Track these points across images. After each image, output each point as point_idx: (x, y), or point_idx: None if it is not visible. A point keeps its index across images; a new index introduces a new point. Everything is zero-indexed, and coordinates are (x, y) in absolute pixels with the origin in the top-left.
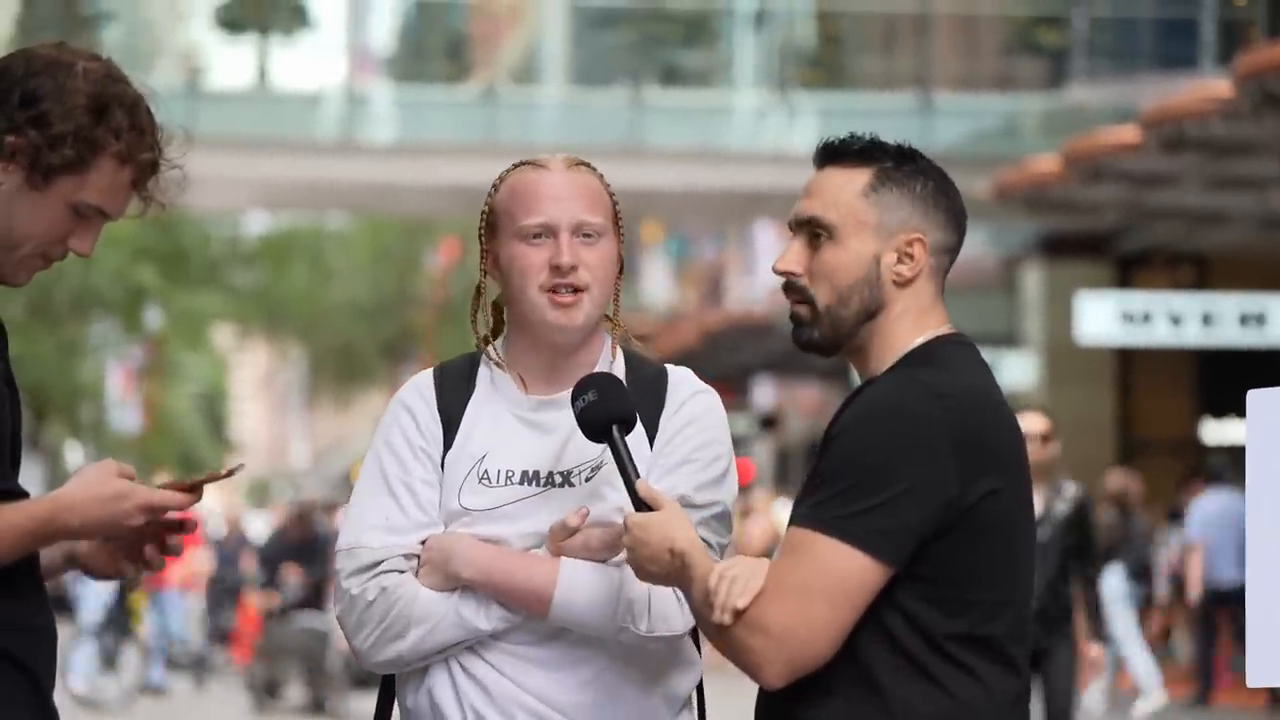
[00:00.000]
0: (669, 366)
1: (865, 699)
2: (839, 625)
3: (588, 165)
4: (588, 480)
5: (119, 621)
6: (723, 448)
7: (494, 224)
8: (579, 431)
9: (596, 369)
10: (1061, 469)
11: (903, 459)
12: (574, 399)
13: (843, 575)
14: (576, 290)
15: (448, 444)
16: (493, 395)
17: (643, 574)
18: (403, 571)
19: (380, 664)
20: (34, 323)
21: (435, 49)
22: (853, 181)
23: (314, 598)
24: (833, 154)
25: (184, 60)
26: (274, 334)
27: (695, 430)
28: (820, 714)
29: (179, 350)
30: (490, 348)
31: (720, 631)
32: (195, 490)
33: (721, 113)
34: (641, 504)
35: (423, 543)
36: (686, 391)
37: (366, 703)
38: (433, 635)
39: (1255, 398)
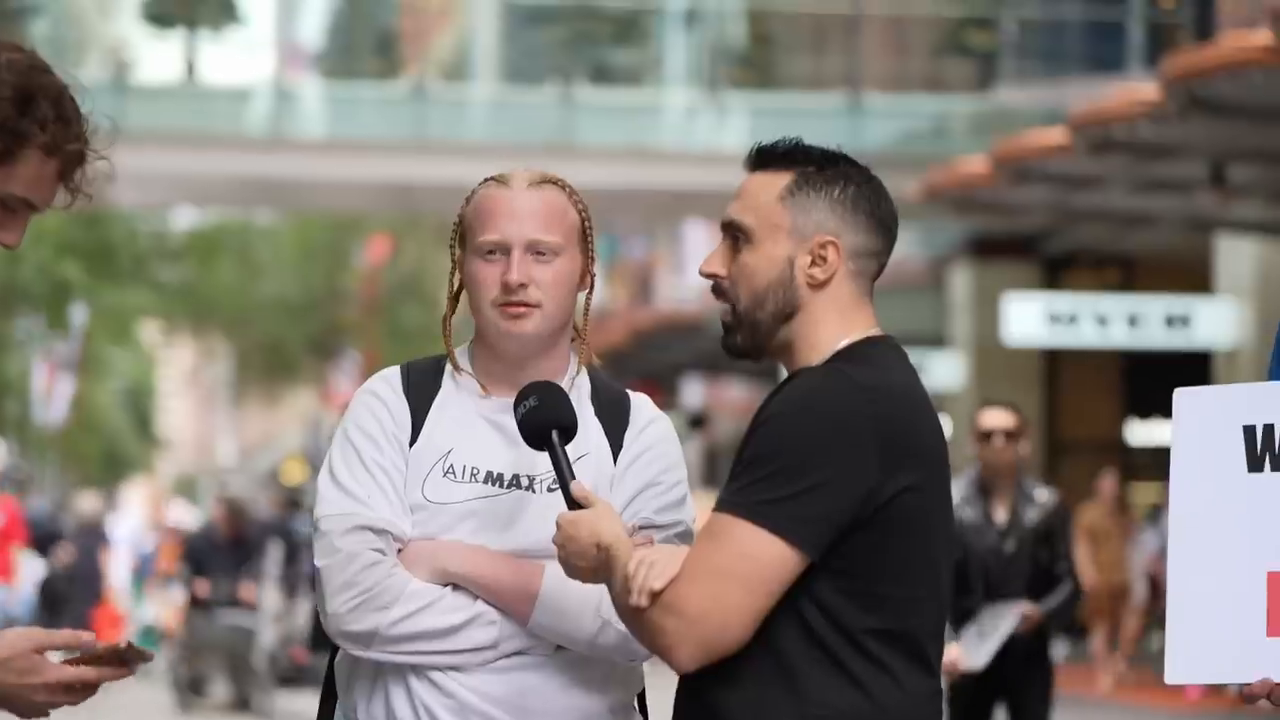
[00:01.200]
0: (628, 391)
1: (781, 689)
2: (753, 610)
3: (556, 182)
4: (550, 490)
5: (44, 614)
6: (681, 472)
7: (463, 237)
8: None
9: (562, 381)
10: (1031, 471)
11: (826, 449)
12: (516, 404)
13: (760, 561)
14: (527, 305)
15: (414, 437)
16: (459, 395)
17: (570, 570)
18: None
19: (350, 634)
20: None
21: (365, 45)
22: (773, 185)
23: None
24: (760, 158)
25: (111, 54)
26: (201, 330)
27: (656, 455)
28: (735, 701)
29: (105, 346)
30: (455, 352)
31: (635, 614)
32: (111, 662)
33: (652, 111)
34: (575, 506)
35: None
36: (647, 416)
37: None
38: (416, 618)
39: (1181, 396)
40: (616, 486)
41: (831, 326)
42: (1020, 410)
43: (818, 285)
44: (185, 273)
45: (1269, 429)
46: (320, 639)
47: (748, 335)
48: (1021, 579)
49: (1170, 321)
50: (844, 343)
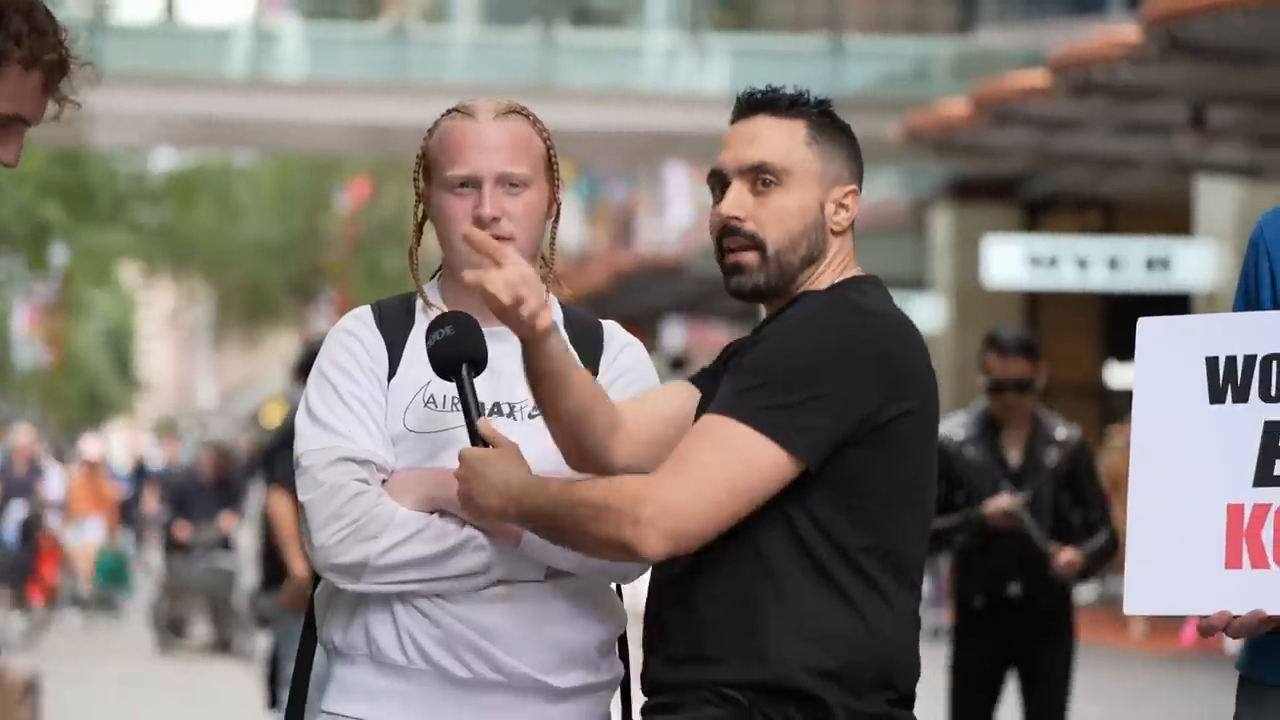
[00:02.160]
0: (599, 319)
1: (769, 596)
2: (732, 511)
3: (520, 111)
4: (530, 417)
5: (25, 561)
6: None
7: (427, 169)
8: (523, 367)
9: None
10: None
11: (829, 365)
12: (429, 333)
13: (752, 463)
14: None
15: (392, 370)
16: None
17: (473, 509)
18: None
19: (339, 566)
20: None
21: None
22: (792, 131)
23: (224, 540)
24: (760, 104)
25: None
26: (181, 272)
27: (634, 379)
28: (721, 604)
29: (85, 288)
30: (425, 287)
31: (608, 501)
32: None
33: (633, 53)
34: (479, 443)
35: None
36: (621, 341)
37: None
38: (405, 546)
39: (1145, 326)
40: None
41: (833, 272)
42: (1035, 345)
43: (840, 232)
44: (165, 214)
45: (1231, 360)
46: (272, 579)
47: (775, 277)
48: (1044, 528)
49: (1150, 264)
50: (835, 281)
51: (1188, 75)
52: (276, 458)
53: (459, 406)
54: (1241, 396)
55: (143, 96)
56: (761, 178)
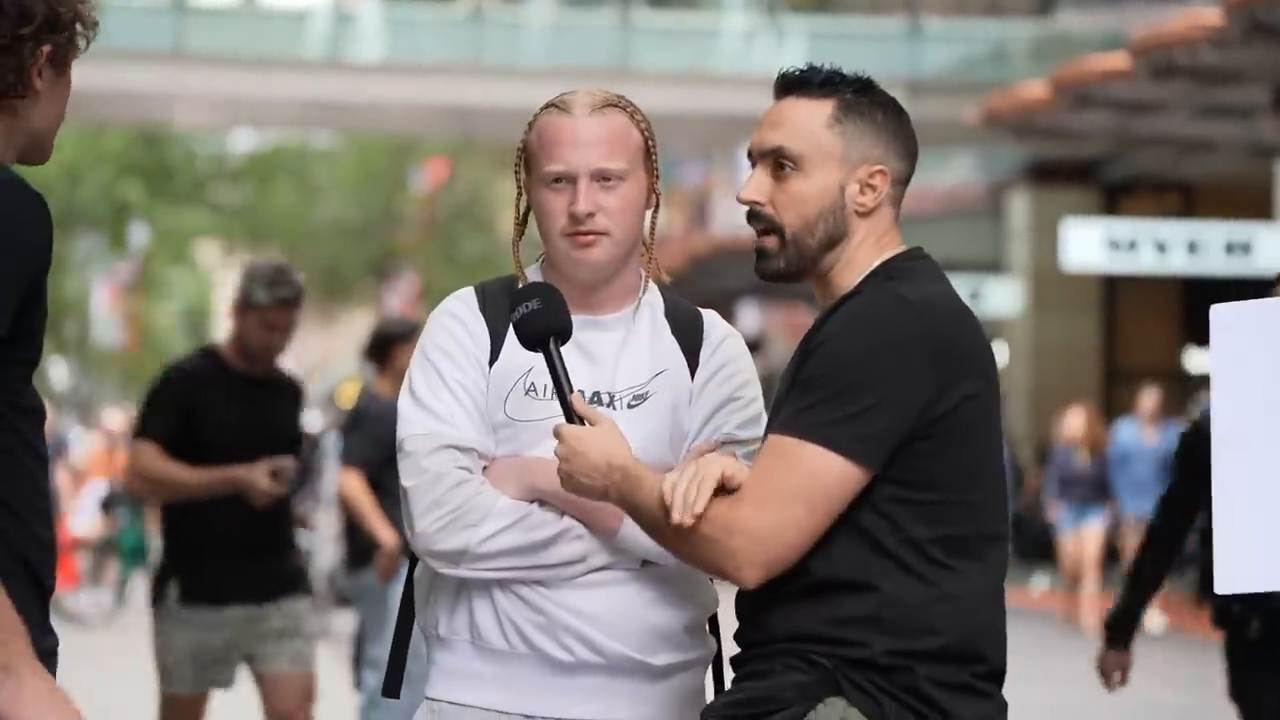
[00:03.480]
0: (700, 309)
1: (851, 594)
2: (815, 528)
3: (617, 104)
4: (630, 407)
5: (109, 537)
6: (757, 389)
7: (528, 162)
8: (625, 356)
9: (633, 299)
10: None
11: (881, 368)
12: (513, 306)
13: (824, 480)
14: (595, 233)
15: (494, 355)
16: None
17: (574, 485)
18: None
19: (440, 553)
20: None
21: None
22: (817, 112)
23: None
24: (793, 85)
25: None
26: (259, 252)
27: (733, 371)
28: (806, 609)
29: (164, 267)
30: (526, 272)
31: (691, 535)
32: None
33: (710, 35)
34: (575, 418)
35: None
36: (721, 332)
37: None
38: (505, 535)
39: (1219, 312)
40: (695, 402)
41: (869, 250)
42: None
43: (866, 213)
44: (243, 194)
45: None
46: (356, 559)
47: (793, 260)
48: None
49: (1230, 248)
50: (878, 262)
51: (1269, 58)
52: (347, 439)
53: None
54: None
55: (222, 78)
56: (780, 161)
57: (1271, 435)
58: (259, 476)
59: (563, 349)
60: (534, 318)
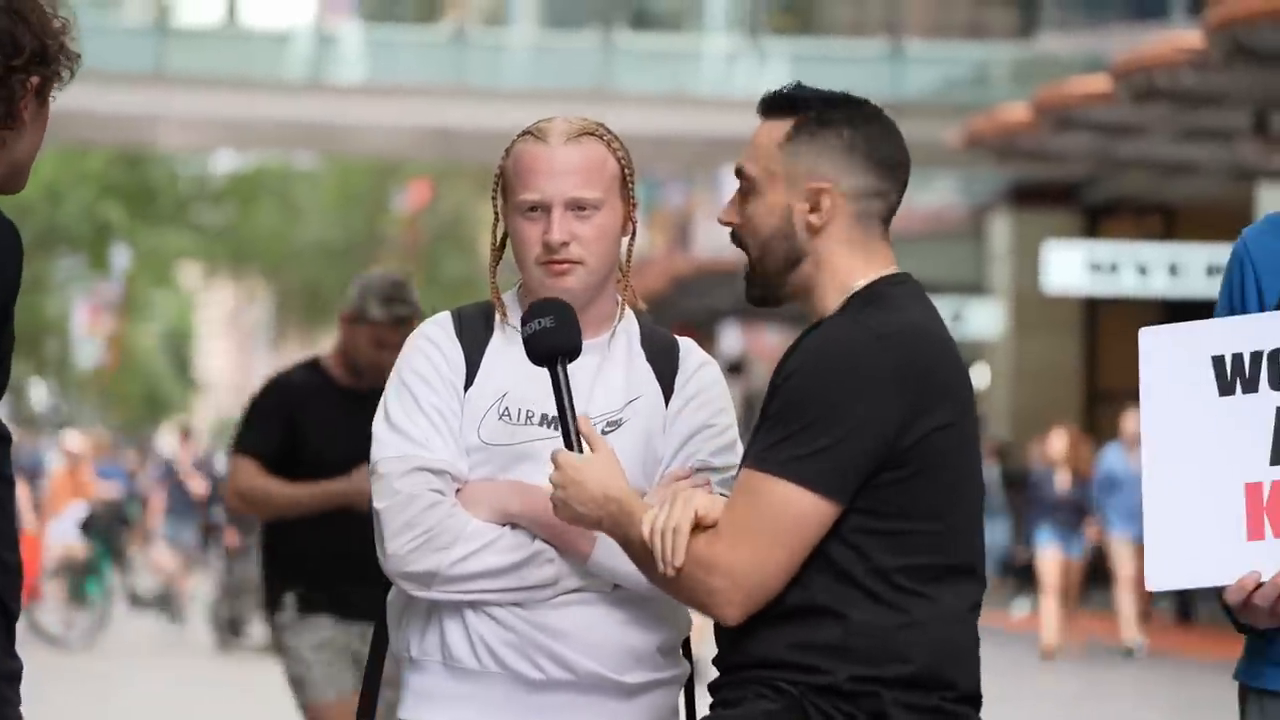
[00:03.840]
0: (675, 336)
1: (819, 620)
2: (791, 563)
3: (594, 132)
4: (604, 433)
5: (88, 560)
6: (732, 416)
7: (505, 189)
8: (599, 382)
9: (609, 326)
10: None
11: (847, 400)
12: (525, 319)
13: (796, 516)
14: (570, 262)
15: (469, 380)
16: (512, 340)
17: (567, 513)
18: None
19: (410, 575)
20: None
21: None
22: (774, 133)
23: None
24: (766, 106)
25: None
26: (241, 273)
27: (708, 399)
28: (776, 633)
29: (145, 288)
30: (503, 298)
31: (676, 575)
32: None
33: (691, 57)
34: (575, 439)
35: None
36: (697, 360)
37: None
38: (476, 558)
39: (1146, 335)
40: (669, 429)
41: (843, 269)
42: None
43: (817, 231)
44: (226, 216)
45: (1238, 357)
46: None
47: (761, 285)
48: None
49: (1211, 270)
50: (860, 284)
51: (1251, 81)
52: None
53: (533, 420)
54: (1251, 387)
55: (204, 99)
56: (741, 184)
57: (1195, 447)
58: (364, 483)
59: (536, 374)
60: (545, 335)
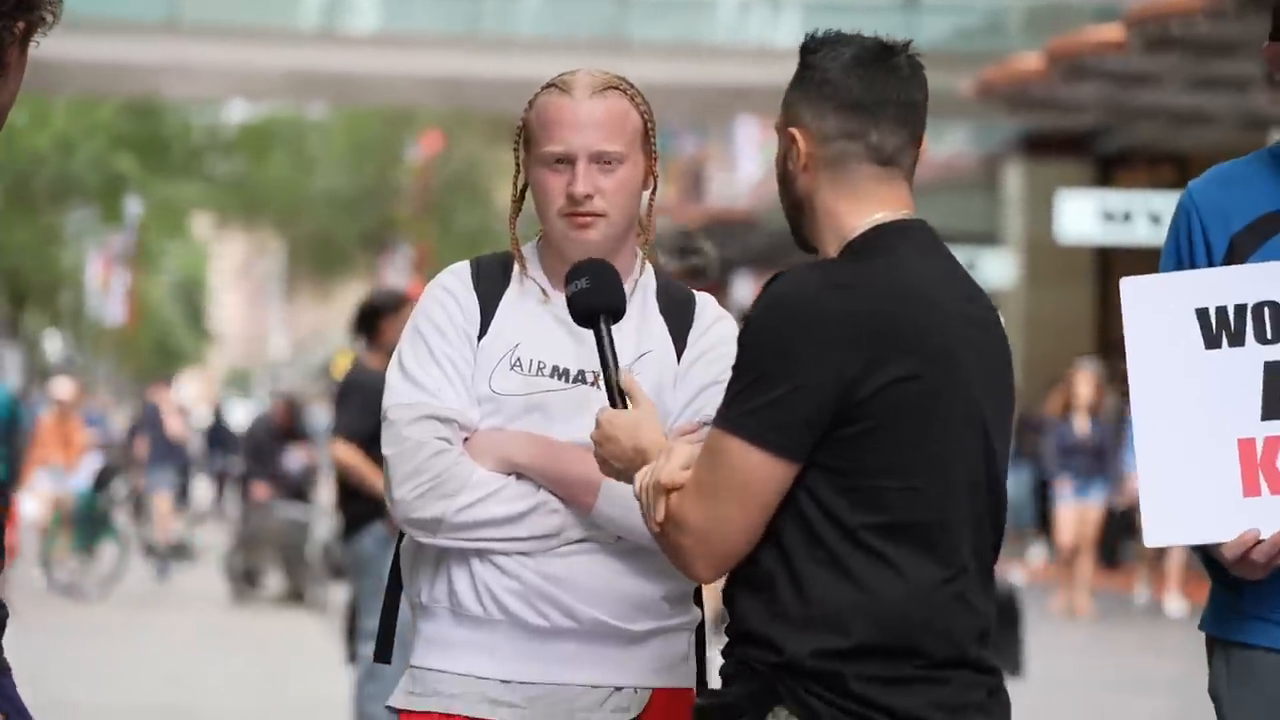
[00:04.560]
0: (693, 291)
1: (791, 591)
2: (750, 523)
3: (618, 86)
4: None
5: (97, 511)
6: None
7: (527, 141)
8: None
9: (627, 280)
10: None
11: (796, 353)
12: (567, 279)
13: (747, 474)
14: (593, 214)
15: (483, 330)
16: (529, 292)
17: (605, 468)
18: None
19: (416, 520)
20: (12, 210)
21: None
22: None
23: (297, 488)
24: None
25: None
26: (253, 224)
27: (720, 355)
28: (754, 605)
29: (158, 239)
30: (521, 250)
31: (663, 526)
32: None
33: (705, 6)
34: (619, 396)
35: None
36: (712, 316)
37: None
38: (481, 506)
39: (1128, 285)
40: (679, 384)
41: (835, 213)
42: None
43: (799, 173)
44: (238, 166)
45: (1222, 310)
46: (351, 530)
47: (793, 231)
48: None
49: None
50: (857, 229)
51: (1264, 30)
52: (338, 410)
53: (544, 372)
54: (1238, 341)
55: (216, 49)
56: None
57: (1185, 401)
58: None
59: (550, 326)
60: (584, 295)
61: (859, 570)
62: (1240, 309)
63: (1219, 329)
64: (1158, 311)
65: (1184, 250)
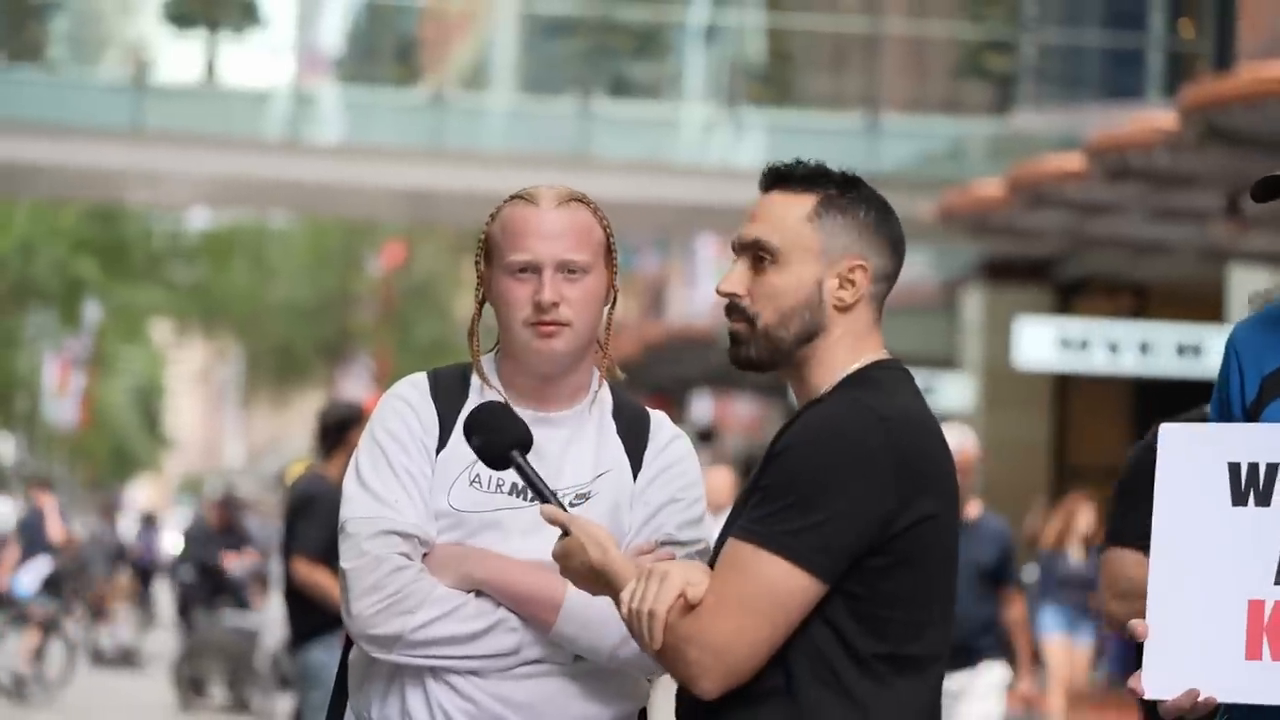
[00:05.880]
0: (648, 409)
1: (783, 705)
2: (773, 639)
3: (581, 200)
4: (572, 505)
5: (50, 614)
6: (700, 490)
7: (489, 253)
8: (570, 455)
9: (584, 396)
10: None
11: (844, 479)
12: (467, 438)
13: (783, 591)
14: (558, 324)
15: (441, 443)
16: None
17: (578, 585)
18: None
19: (374, 637)
20: None
21: (385, 51)
22: (797, 206)
23: (239, 592)
24: (778, 178)
25: (132, 53)
26: (212, 331)
27: (677, 473)
28: (744, 713)
29: (116, 344)
30: (481, 362)
31: (665, 640)
32: None
33: (669, 125)
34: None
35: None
36: (668, 434)
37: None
38: (440, 623)
39: (1168, 432)
40: (637, 503)
41: (847, 349)
42: None
43: (844, 308)
44: (199, 273)
45: (1254, 467)
46: (299, 639)
47: (764, 350)
48: None
49: (1182, 350)
50: (854, 366)
51: (1224, 163)
52: (297, 525)
53: (503, 489)
54: (1264, 501)
55: (180, 156)
56: (758, 254)
57: (1203, 556)
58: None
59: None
60: (489, 445)
61: (863, 695)
62: (1272, 468)
63: (1248, 486)
64: (1191, 461)
65: (1222, 389)
